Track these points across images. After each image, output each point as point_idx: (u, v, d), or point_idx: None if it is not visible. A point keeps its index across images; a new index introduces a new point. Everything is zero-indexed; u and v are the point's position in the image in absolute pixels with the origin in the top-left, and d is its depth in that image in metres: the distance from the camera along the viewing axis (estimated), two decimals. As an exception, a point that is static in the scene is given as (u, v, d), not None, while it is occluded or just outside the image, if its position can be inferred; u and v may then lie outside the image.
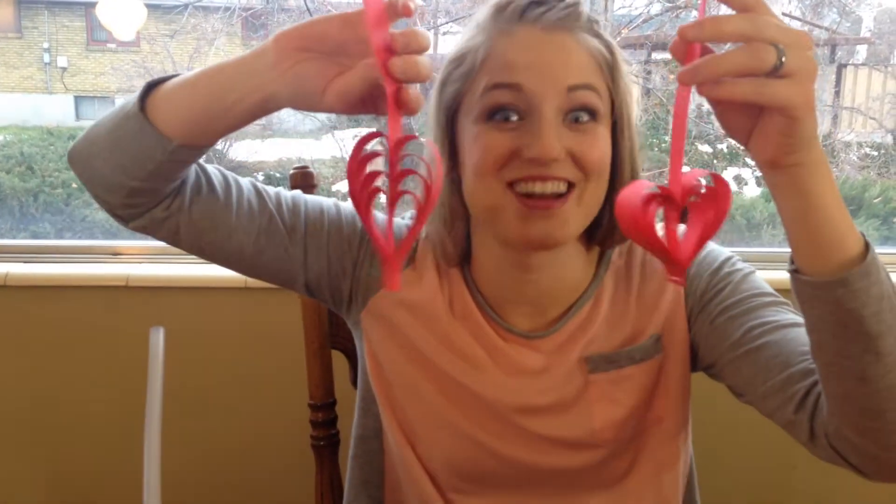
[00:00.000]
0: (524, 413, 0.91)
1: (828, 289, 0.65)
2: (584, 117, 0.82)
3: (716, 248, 0.95)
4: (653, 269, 0.94)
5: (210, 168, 0.88)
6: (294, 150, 3.60)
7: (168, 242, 0.88)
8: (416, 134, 0.60)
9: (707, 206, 0.60)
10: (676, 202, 0.59)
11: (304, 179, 1.14)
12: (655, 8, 3.55)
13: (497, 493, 0.95)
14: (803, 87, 0.58)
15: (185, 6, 3.14)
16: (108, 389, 1.66)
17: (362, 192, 0.58)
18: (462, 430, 0.93)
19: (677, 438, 0.95)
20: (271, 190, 0.93)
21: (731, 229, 2.95)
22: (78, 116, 3.71)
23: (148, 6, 3.08)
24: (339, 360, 1.20)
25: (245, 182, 0.90)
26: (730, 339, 0.86)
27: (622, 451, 0.93)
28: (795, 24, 3.74)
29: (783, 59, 0.56)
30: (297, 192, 0.96)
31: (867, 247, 0.66)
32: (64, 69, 3.63)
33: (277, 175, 3.49)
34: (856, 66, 3.74)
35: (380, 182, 0.58)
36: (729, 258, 0.94)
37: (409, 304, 0.94)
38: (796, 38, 0.58)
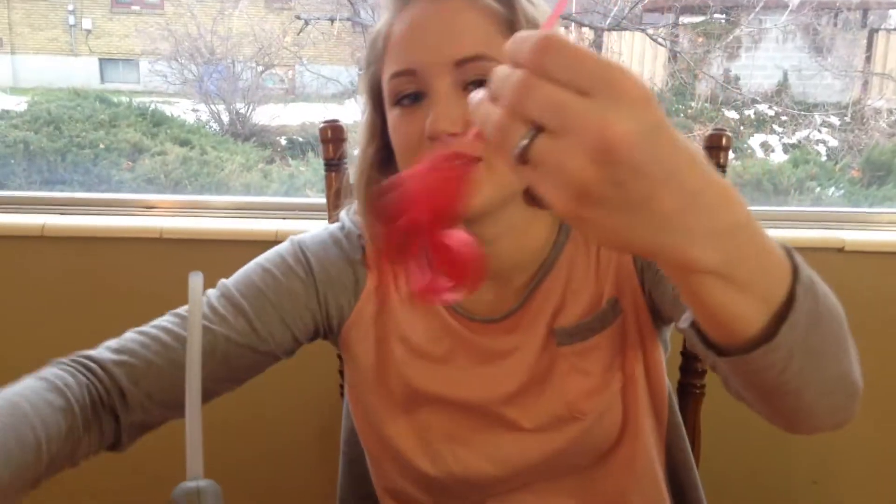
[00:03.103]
0: (499, 403, 0.91)
1: (721, 362, 0.58)
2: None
3: None
4: None
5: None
6: (317, 114, 3.60)
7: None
8: None
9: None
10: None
11: (334, 133, 1.16)
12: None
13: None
14: (560, 190, 0.43)
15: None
16: None
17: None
18: (434, 446, 0.93)
19: (651, 402, 0.95)
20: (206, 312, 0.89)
21: (758, 194, 2.93)
22: (103, 79, 3.72)
23: (172, -33, 3.08)
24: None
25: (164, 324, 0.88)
26: (667, 298, 0.85)
27: (604, 420, 0.92)
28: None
29: (523, 144, 0.42)
30: (226, 289, 0.91)
31: (787, 309, 0.53)
32: (88, 31, 3.63)
33: (300, 139, 3.49)
34: (888, 31, 3.68)
35: None
36: None
37: (371, 314, 0.93)
38: (572, 128, 0.41)
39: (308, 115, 3.61)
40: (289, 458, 1.73)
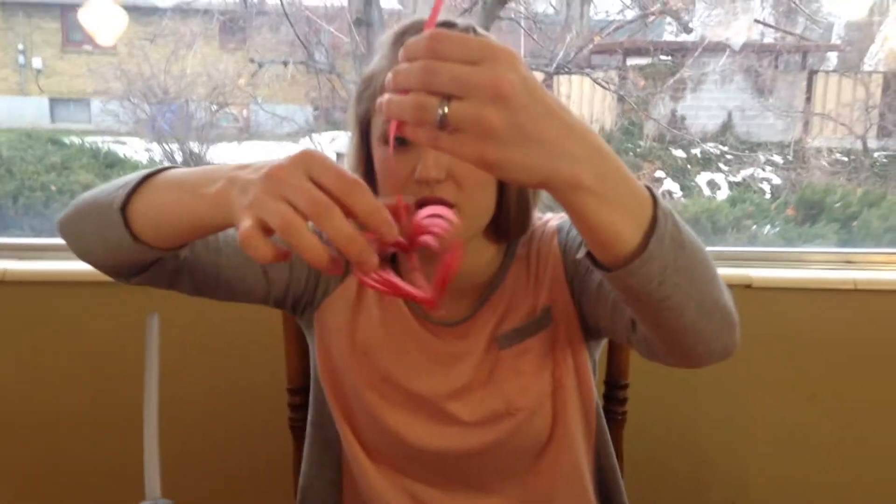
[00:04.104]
0: (445, 398, 1.01)
1: (609, 278, 0.69)
2: None
3: None
4: (546, 250, 1.02)
5: None
6: (272, 153, 3.60)
7: (165, 287, 0.93)
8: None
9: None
10: (406, 247, 0.63)
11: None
12: (630, 14, 3.59)
13: (430, 480, 1.06)
14: (473, 144, 0.56)
15: (164, 10, 3.14)
16: (101, 380, 1.73)
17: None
18: (388, 424, 1.02)
19: (580, 409, 1.04)
20: None
21: (696, 232, 3.02)
22: (53, 118, 3.70)
23: (126, 8, 3.08)
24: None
25: None
26: (590, 291, 0.95)
27: (535, 419, 1.01)
28: (768, 32, 3.80)
29: (444, 111, 0.55)
30: None
31: (652, 229, 0.65)
32: (39, 71, 3.61)
33: (255, 178, 3.48)
34: (826, 72, 3.81)
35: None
36: None
37: (347, 300, 1.04)
38: (474, 89, 0.54)
39: (262, 154, 3.61)
40: (242, 458, 1.77)
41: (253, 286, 0.99)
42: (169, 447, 0.65)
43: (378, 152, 0.94)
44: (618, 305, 0.88)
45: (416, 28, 0.92)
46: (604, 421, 1.09)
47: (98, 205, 0.82)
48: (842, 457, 1.79)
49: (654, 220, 0.65)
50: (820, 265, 1.83)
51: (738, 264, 1.78)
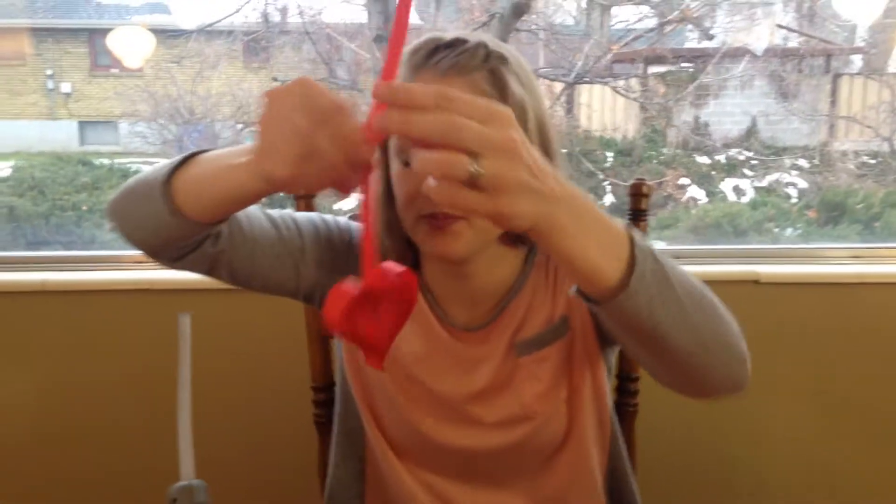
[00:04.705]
0: (467, 400, 1.04)
1: (599, 311, 0.72)
2: None
3: None
4: None
5: None
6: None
7: (205, 273, 0.96)
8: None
9: (397, 298, 0.68)
10: (374, 295, 0.66)
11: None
12: (650, 22, 3.59)
13: (450, 474, 1.09)
14: (491, 201, 0.58)
15: (189, 32, 3.19)
16: (134, 382, 1.81)
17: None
18: (412, 422, 1.05)
19: (595, 413, 1.07)
20: (274, 213, 1.03)
21: (717, 235, 3.02)
22: (82, 141, 3.75)
23: (152, 31, 3.14)
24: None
25: (255, 210, 0.99)
26: None
27: (551, 422, 1.04)
28: (791, 36, 3.78)
29: (477, 170, 0.56)
30: (289, 212, 1.06)
31: (632, 265, 0.69)
32: (68, 95, 3.67)
33: (281, 194, 3.51)
34: (851, 75, 3.78)
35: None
36: None
37: None
38: (493, 147, 0.57)
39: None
40: (270, 454, 1.84)
41: (284, 279, 1.02)
42: (197, 443, 0.67)
43: (393, 165, 0.97)
44: None
45: (429, 44, 0.94)
46: (617, 424, 1.12)
47: (144, 184, 0.86)
48: (852, 448, 1.81)
49: (633, 258, 0.69)
50: (828, 261, 1.86)
51: (746, 261, 1.81)
